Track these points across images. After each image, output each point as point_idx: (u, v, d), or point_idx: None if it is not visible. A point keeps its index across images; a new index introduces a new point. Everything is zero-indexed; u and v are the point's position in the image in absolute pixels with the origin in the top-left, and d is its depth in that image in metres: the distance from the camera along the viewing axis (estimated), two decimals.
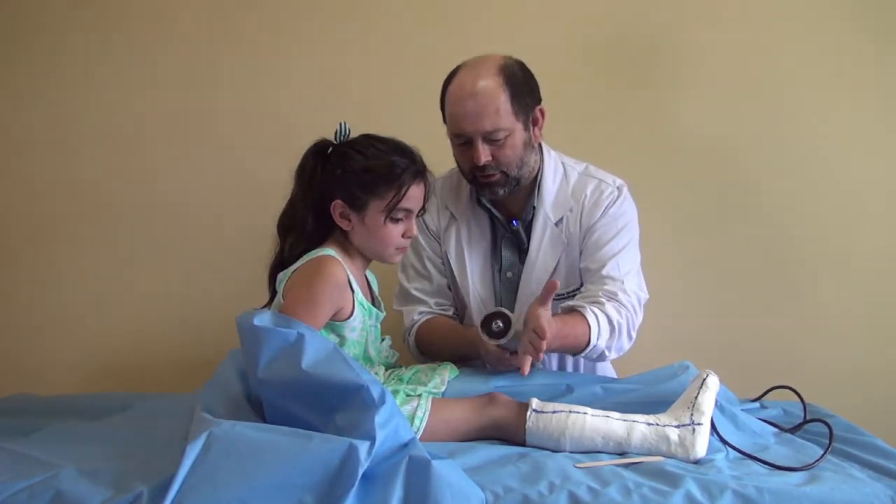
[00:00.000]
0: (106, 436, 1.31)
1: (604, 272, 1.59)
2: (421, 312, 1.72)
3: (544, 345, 1.34)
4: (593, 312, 1.50)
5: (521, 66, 1.60)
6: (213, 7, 2.07)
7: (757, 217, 2.04)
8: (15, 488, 1.05)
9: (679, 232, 2.05)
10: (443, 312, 1.73)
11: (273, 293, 1.42)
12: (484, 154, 1.55)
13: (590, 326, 1.48)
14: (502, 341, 1.42)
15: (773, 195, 2.04)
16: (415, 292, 1.73)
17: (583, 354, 1.53)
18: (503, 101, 1.53)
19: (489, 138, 1.54)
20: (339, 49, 2.06)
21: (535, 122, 1.61)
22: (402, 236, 1.41)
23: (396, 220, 1.39)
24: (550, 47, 1.93)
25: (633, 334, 1.59)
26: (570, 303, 1.56)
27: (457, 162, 1.65)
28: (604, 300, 1.55)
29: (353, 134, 1.42)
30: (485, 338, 1.42)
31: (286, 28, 2.07)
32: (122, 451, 1.20)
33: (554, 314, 1.47)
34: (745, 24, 2.01)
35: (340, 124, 1.40)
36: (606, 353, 1.54)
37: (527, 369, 1.37)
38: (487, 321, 1.43)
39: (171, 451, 1.08)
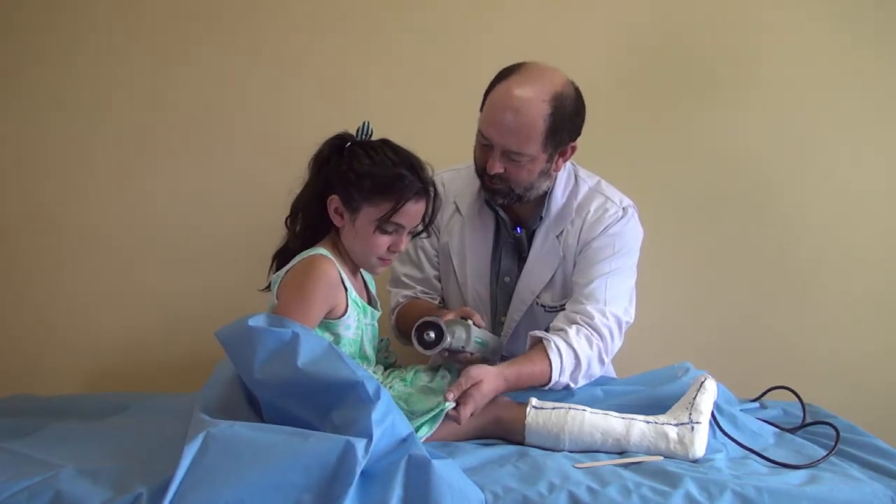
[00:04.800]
0: (106, 436, 1.31)
1: (587, 290, 1.54)
2: (405, 296, 1.72)
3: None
4: (557, 348, 1.45)
5: (575, 100, 1.52)
6: (222, 15, 2.07)
7: (757, 217, 2.04)
8: (15, 488, 1.05)
9: (679, 231, 2.05)
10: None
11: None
12: (497, 166, 1.52)
13: (551, 364, 1.43)
14: (431, 352, 1.36)
15: (774, 196, 2.03)
16: (403, 278, 1.74)
17: (545, 389, 1.46)
18: (540, 131, 1.47)
19: (510, 156, 1.51)
20: (349, 57, 2.05)
21: (562, 154, 1.56)
22: (388, 249, 1.38)
23: (386, 232, 1.36)
24: (564, 52, 1.91)
25: (607, 358, 1.53)
26: (539, 333, 1.49)
27: (474, 154, 1.61)
28: (578, 325, 1.50)
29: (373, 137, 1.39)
30: (416, 345, 1.35)
31: (294, 35, 2.07)
32: (122, 451, 1.20)
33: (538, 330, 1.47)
34: (756, 33, 2.01)
35: (364, 123, 1.38)
36: (572, 385, 1.47)
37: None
38: (420, 330, 1.35)
39: (171, 452, 1.08)
